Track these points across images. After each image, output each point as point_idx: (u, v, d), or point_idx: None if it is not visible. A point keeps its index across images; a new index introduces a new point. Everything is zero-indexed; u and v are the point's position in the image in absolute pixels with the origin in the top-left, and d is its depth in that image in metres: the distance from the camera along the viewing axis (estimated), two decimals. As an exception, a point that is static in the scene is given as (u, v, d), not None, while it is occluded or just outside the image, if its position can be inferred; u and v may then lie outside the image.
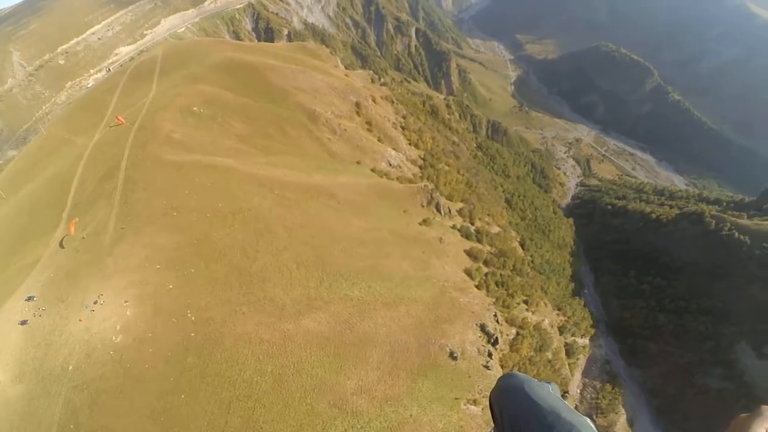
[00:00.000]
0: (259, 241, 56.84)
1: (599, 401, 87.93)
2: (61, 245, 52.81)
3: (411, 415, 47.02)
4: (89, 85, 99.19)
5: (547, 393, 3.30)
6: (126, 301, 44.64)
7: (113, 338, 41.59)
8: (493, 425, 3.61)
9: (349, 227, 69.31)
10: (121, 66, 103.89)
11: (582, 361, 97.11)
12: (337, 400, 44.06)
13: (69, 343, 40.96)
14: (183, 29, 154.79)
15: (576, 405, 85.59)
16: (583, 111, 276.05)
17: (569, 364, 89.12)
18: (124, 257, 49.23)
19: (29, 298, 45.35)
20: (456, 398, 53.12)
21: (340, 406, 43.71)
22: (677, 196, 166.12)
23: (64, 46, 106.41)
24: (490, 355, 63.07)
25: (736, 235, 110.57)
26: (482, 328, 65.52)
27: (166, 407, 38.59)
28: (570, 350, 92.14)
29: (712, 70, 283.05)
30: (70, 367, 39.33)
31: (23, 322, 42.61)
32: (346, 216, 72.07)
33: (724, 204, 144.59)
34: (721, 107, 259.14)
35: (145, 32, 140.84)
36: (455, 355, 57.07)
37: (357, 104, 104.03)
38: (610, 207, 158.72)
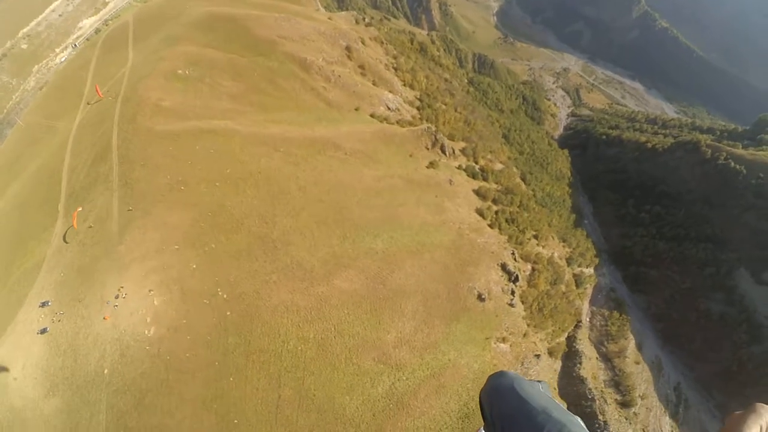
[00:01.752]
0: (275, 205, 54.72)
1: (609, 328, 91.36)
2: (64, 240, 48.79)
3: (449, 360, 48.12)
4: (61, 61, 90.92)
5: (537, 392, 3.28)
6: (150, 290, 41.84)
7: (146, 332, 39.08)
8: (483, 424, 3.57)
9: (361, 178, 67.40)
10: (87, 40, 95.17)
11: (589, 290, 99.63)
12: (381, 356, 44.49)
13: (98, 344, 38.18)
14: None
15: (588, 334, 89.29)
16: (569, 40, 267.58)
17: (579, 294, 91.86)
18: (138, 243, 45.81)
19: (43, 304, 41.54)
20: (487, 338, 54.53)
21: (384, 361, 44.21)
22: (670, 125, 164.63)
23: (24, 30, 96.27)
24: (512, 292, 64.45)
25: (732, 164, 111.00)
26: (503, 267, 66.41)
27: (217, 394, 37.40)
28: (578, 281, 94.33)
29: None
30: (106, 371, 36.89)
31: (43, 331, 39.19)
32: (355, 167, 69.85)
33: (718, 133, 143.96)
34: (708, 35, 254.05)
35: (107, 0, 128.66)
36: (483, 296, 57.90)
37: (347, 48, 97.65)
38: (604, 137, 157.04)
